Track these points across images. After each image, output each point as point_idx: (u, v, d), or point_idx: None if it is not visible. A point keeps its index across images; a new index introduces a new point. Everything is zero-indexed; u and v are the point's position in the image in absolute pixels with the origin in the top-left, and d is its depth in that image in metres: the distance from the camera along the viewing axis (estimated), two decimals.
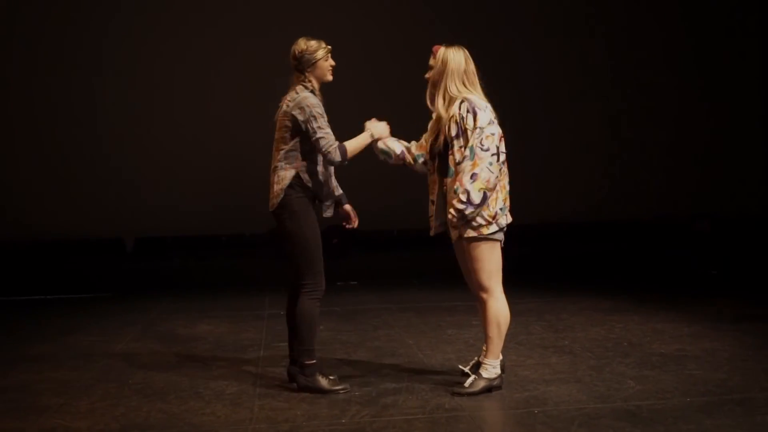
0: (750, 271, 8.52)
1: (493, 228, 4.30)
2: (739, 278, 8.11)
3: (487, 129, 4.28)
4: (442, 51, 4.47)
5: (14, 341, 6.05)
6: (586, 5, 11.28)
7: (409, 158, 4.72)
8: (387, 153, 4.74)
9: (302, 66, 4.55)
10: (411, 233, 10.63)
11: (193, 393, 4.58)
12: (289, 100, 4.55)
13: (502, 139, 4.35)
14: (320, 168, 4.56)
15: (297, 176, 4.50)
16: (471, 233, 4.31)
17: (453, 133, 4.35)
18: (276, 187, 4.54)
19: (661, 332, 5.72)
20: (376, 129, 4.67)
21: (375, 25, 10.89)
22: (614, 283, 7.91)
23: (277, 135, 4.58)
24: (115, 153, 10.57)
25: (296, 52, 4.56)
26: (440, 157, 4.47)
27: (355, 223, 4.91)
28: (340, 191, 4.81)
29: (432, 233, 4.59)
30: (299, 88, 4.56)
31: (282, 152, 4.53)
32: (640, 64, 11.42)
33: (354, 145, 4.56)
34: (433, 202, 4.55)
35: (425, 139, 4.66)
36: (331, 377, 4.56)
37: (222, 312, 6.87)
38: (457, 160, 4.33)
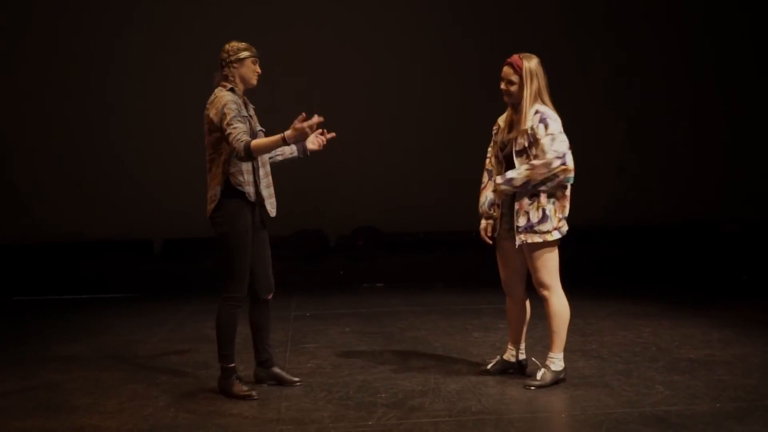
0: None
1: (557, 235, 4.53)
2: None
3: (558, 136, 4.46)
4: (526, 64, 4.48)
5: (45, 341, 6.13)
6: (597, 5, 11.18)
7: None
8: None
9: (227, 63, 4.56)
10: (437, 235, 10.62)
11: (221, 394, 4.60)
12: (208, 103, 4.57)
13: (569, 149, 4.51)
14: (246, 167, 4.49)
15: (226, 181, 4.50)
16: (536, 239, 4.49)
17: (525, 143, 4.49)
18: (209, 193, 4.58)
19: (690, 337, 5.66)
20: (292, 132, 4.27)
21: (376, 25, 10.86)
22: (643, 287, 7.85)
23: (205, 140, 4.60)
24: (144, 154, 10.64)
25: (224, 48, 4.59)
26: (507, 160, 4.59)
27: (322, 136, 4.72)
28: (291, 151, 4.77)
29: (495, 235, 4.68)
30: (218, 89, 4.57)
31: (209, 156, 4.58)
32: (662, 65, 11.31)
33: (262, 143, 4.32)
34: (498, 206, 4.65)
35: (491, 154, 4.75)
36: (245, 387, 4.57)
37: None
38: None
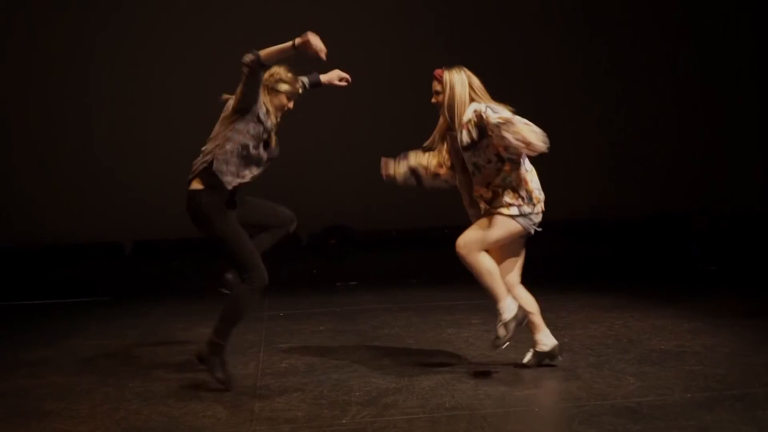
0: (749, 267, 8.52)
1: (514, 211, 4.54)
2: (738, 274, 8.12)
3: (502, 112, 4.51)
4: (446, 75, 4.61)
5: (14, 346, 6.05)
6: (586, 5, 11.27)
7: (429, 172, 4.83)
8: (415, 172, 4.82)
9: (264, 84, 4.53)
10: (409, 233, 10.65)
11: (194, 395, 4.58)
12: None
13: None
14: (237, 161, 4.50)
15: (211, 162, 4.50)
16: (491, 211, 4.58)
17: (472, 137, 4.53)
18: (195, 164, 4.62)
19: (660, 329, 5.72)
20: (301, 40, 4.29)
21: (377, 25, 10.89)
22: (613, 280, 7.92)
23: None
24: (112, 156, 10.57)
25: (272, 70, 4.53)
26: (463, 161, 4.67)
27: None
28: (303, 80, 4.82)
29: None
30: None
31: (215, 134, 4.61)
32: (639, 61, 11.42)
33: (272, 49, 4.28)
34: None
35: (434, 156, 4.82)
36: (223, 377, 4.58)
37: None
38: (481, 162, 4.56)
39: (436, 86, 4.67)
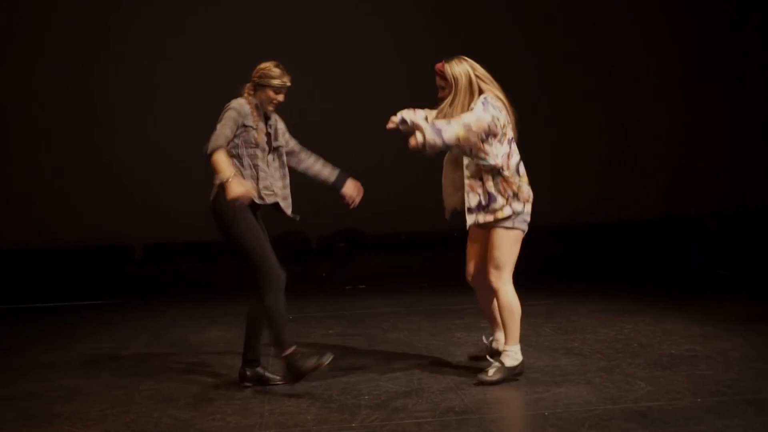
0: (761, 270, 8.47)
1: (508, 212, 4.53)
2: (749, 278, 8.07)
3: (476, 111, 4.46)
4: (448, 68, 4.60)
5: (23, 349, 6.07)
6: (590, 4, 11.25)
7: None
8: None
9: (252, 80, 4.70)
10: (419, 236, 10.63)
11: (204, 398, 4.58)
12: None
13: (509, 126, 4.57)
14: (248, 171, 4.62)
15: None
16: (488, 218, 4.55)
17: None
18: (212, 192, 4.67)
19: (671, 333, 5.70)
20: (232, 184, 4.42)
21: (377, 26, 10.88)
22: (624, 283, 7.89)
23: None
24: (123, 159, 10.59)
25: (258, 66, 4.72)
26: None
27: (356, 199, 5.08)
28: (327, 173, 4.98)
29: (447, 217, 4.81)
30: (239, 99, 4.70)
31: None
32: (651, 62, 11.39)
33: (220, 161, 4.45)
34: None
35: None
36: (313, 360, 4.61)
37: (232, 317, 6.86)
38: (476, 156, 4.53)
39: (440, 81, 4.65)
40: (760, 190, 11.50)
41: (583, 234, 10.98)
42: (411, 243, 10.76)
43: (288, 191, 4.84)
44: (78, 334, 6.51)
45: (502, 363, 4.58)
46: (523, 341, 5.21)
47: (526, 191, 4.62)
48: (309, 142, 5.05)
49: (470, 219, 4.59)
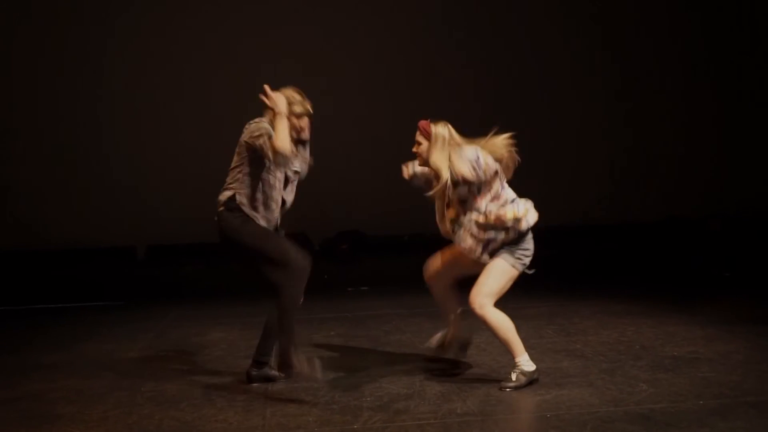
0: (763, 271, 8.46)
1: (520, 267, 4.63)
2: (752, 279, 8.06)
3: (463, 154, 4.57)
4: (434, 129, 4.67)
5: (27, 350, 6.08)
6: (591, 5, 11.25)
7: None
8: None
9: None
10: (421, 238, 10.61)
11: (206, 400, 4.59)
12: (245, 128, 4.67)
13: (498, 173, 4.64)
14: (259, 195, 4.65)
15: (233, 197, 4.64)
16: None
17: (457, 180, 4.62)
18: (218, 208, 4.69)
19: (673, 335, 5.69)
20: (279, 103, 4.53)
21: (377, 26, 10.87)
22: (626, 285, 7.88)
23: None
24: (126, 160, 10.59)
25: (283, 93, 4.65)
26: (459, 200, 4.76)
27: None
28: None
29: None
30: (263, 119, 4.65)
31: (229, 174, 4.73)
32: (651, 62, 11.38)
33: (277, 130, 4.48)
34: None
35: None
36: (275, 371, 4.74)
37: (234, 319, 6.88)
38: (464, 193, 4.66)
39: (419, 137, 4.71)
40: (762, 191, 11.49)
41: (583, 235, 10.96)
42: (413, 245, 10.74)
43: (284, 213, 4.85)
44: (80, 335, 6.51)
45: (521, 370, 4.60)
46: (525, 343, 5.21)
47: (524, 222, 4.64)
48: (310, 143, 5.04)
49: (485, 257, 4.65)
